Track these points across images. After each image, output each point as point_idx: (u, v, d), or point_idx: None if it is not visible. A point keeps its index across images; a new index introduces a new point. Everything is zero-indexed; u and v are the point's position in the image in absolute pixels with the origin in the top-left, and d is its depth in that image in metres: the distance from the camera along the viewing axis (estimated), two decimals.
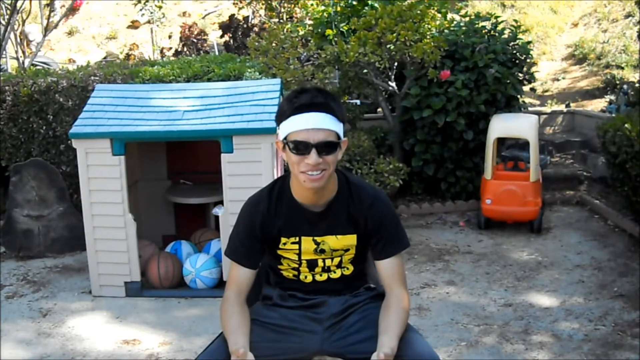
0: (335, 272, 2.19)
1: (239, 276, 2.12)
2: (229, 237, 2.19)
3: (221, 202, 4.22)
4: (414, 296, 4.19)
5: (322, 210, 2.10)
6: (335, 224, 2.11)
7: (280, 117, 2.02)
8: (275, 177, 4.10)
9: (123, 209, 4.12)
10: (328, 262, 2.16)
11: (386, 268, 2.13)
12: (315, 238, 2.12)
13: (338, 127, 2.01)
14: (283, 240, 2.12)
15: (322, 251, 2.13)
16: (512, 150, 6.35)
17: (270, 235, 2.12)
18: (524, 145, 5.85)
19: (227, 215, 4.08)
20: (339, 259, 2.16)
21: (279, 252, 2.15)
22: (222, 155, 4.04)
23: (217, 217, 4.32)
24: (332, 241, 2.12)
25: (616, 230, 5.33)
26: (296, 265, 2.17)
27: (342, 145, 2.04)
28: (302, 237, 2.12)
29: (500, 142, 5.93)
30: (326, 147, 1.97)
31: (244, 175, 4.04)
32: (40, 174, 5.10)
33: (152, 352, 3.55)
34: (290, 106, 1.99)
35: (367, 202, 2.11)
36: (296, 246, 2.12)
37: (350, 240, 2.13)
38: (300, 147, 1.96)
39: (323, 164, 1.98)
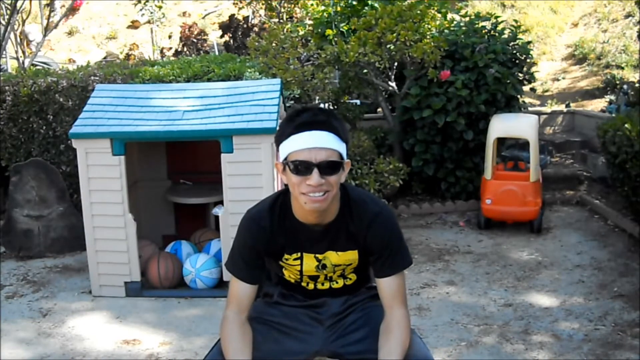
0: (337, 282, 2.17)
1: (240, 291, 2.07)
2: (230, 251, 2.13)
3: (221, 202, 4.22)
4: (414, 296, 4.19)
5: (323, 229, 2.04)
6: (335, 241, 2.06)
7: (280, 137, 1.93)
8: (275, 178, 4.12)
9: (123, 209, 4.12)
10: (330, 274, 2.14)
11: (386, 287, 2.04)
12: (317, 255, 2.07)
13: (341, 147, 1.92)
14: (285, 256, 2.09)
15: (324, 267, 2.10)
16: (512, 150, 6.35)
17: (274, 250, 2.08)
18: (524, 145, 5.85)
19: (227, 215, 4.08)
20: (341, 271, 2.14)
21: (281, 263, 2.13)
22: (222, 155, 4.04)
23: (217, 217, 4.32)
24: (334, 257, 2.08)
25: (616, 230, 5.33)
26: (298, 275, 2.15)
27: (345, 167, 1.94)
28: (304, 254, 2.08)
29: (500, 142, 5.93)
30: (329, 167, 1.87)
31: (244, 175, 4.04)
32: (40, 174, 5.10)
33: (152, 352, 3.55)
34: (290, 125, 1.90)
35: (366, 220, 2.02)
36: (298, 262, 2.09)
37: (352, 255, 2.09)
38: (301, 168, 1.87)
39: (326, 184, 1.88)
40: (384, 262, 2.04)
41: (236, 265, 2.08)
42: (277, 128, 1.98)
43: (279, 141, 1.94)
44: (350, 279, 2.18)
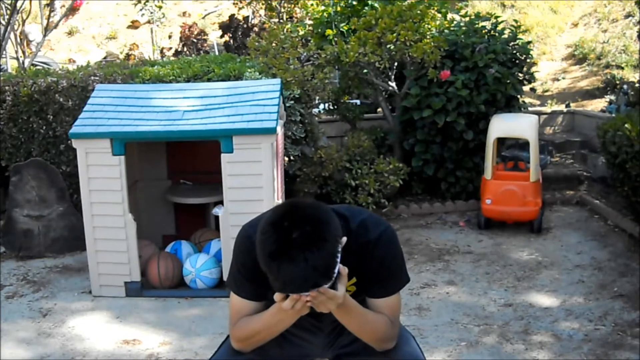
0: None
1: (244, 311, 1.99)
2: (229, 269, 2.05)
3: (221, 202, 4.22)
4: (414, 296, 4.19)
5: None
6: None
7: (265, 270, 1.74)
8: (275, 178, 4.12)
9: (123, 209, 4.12)
10: None
11: (380, 308, 1.97)
12: None
13: (330, 281, 1.75)
14: None
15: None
16: (512, 150, 6.35)
17: None
18: (524, 145, 5.85)
19: (227, 215, 4.08)
20: None
21: None
22: (222, 155, 4.04)
23: (217, 217, 4.32)
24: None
25: (616, 230, 5.33)
26: None
27: (341, 272, 1.78)
28: None
29: (500, 142, 5.93)
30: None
31: (244, 175, 4.05)
32: (40, 174, 5.10)
33: (152, 352, 3.55)
34: (272, 275, 1.72)
35: (368, 248, 1.93)
36: None
37: (350, 283, 1.98)
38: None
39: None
40: (380, 285, 1.97)
41: (239, 285, 2.00)
42: (260, 249, 1.72)
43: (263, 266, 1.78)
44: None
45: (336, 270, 1.74)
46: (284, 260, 1.67)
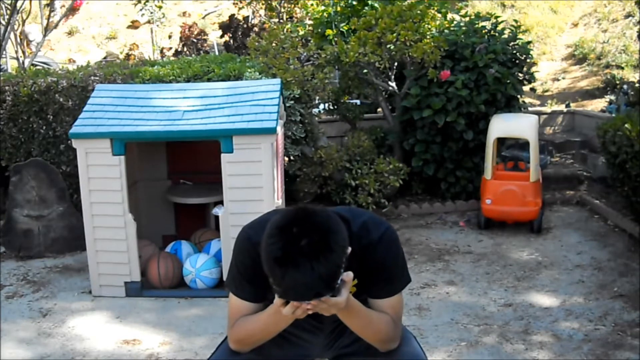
0: None
1: (243, 311, 1.99)
2: (229, 272, 2.05)
3: (221, 202, 4.22)
4: (414, 296, 4.19)
5: None
6: None
7: (269, 275, 1.73)
8: (275, 178, 4.12)
9: (123, 209, 4.12)
10: None
11: (382, 308, 1.97)
12: None
13: (332, 291, 1.74)
14: None
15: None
16: (512, 150, 6.35)
17: None
18: (524, 145, 5.86)
19: (227, 215, 4.08)
20: None
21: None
22: (222, 155, 4.04)
23: (217, 217, 4.33)
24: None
25: (616, 230, 5.33)
26: None
27: (345, 279, 1.76)
28: None
29: (500, 142, 5.93)
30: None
31: (244, 175, 4.05)
32: (40, 174, 5.10)
33: (152, 352, 3.56)
34: (276, 281, 1.70)
35: (370, 250, 1.92)
36: None
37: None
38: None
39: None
40: (382, 286, 1.97)
41: (238, 286, 1.99)
42: (263, 259, 1.71)
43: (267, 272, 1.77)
44: None
45: (339, 281, 1.74)
46: (290, 267, 1.65)
